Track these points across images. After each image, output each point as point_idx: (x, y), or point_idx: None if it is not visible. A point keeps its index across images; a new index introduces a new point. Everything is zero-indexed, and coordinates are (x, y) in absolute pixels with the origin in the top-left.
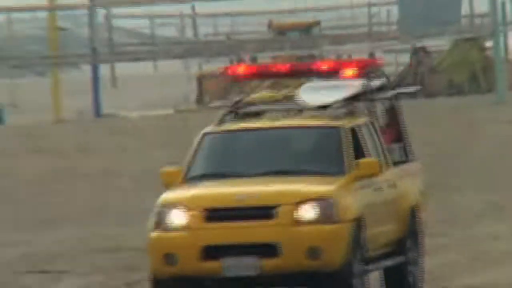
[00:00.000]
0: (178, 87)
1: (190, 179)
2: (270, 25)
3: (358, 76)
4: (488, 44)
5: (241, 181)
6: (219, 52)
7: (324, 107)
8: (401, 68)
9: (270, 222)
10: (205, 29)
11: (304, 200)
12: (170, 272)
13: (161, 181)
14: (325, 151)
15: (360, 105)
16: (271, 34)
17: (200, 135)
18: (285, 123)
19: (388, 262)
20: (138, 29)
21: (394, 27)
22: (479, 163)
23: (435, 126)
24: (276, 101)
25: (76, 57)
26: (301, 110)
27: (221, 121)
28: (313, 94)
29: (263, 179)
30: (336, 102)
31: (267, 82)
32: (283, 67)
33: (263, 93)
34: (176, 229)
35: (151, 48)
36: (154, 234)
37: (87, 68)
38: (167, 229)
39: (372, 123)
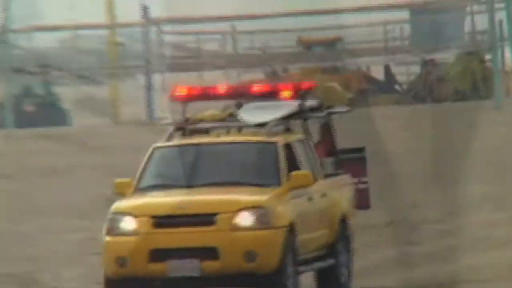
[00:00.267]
0: None
1: (140, 189)
2: (298, 41)
3: (294, 97)
4: (487, 57)
5: (186, 191)
6: (255, 64)
7: (262, 125)
8: (412, 77)
9: (210, 228)
10: (243, 44)
11: (241, 208)
12: (121, 273)
13: (114, 191)
14: (262, 165)
15: (296, 123)
16: (300, 48)
17: (150, 150)
18: (226, 139)
19: (320, 264)
20: (185, 43)
21: (406, 42)
22: (480, 158)
23: (441, 126)
24: (221, 119)
25: (132, 68)
26: (242, 127)
27: (170, 137)
28: (253, 113)
29: (206, 189)
30: (273, 120)
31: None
32: (223, 90)
33: (209, 112)
34: (126, 234)
35: (197, 61)
36: (107, 238)
37: (141, 78)
38: (119, 234)
39: (306, 139)
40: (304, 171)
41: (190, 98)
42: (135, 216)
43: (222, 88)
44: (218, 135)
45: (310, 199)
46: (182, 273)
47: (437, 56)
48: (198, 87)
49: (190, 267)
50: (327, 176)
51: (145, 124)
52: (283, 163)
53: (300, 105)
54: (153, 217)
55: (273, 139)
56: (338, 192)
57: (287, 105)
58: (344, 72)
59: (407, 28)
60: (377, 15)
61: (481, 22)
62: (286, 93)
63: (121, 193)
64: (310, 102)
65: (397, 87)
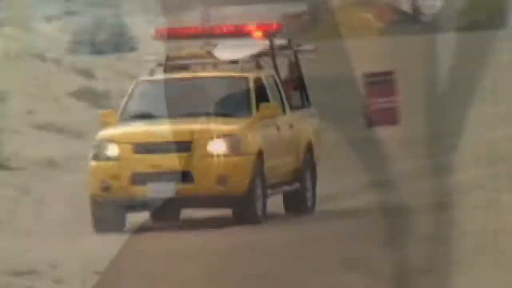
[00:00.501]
0: None
1: (123, 119)
2: None
3: (265, 37)
4: None
5: (165, 121)
6: None
7: (235, 62)
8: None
9: (186, 154)
10: None
11: (215, 136)
12: (105, 195)
13: (99, 120)
14: (235, 97)
15: (267, 60)
16: None
17: (133, 83)
18: (203, 74)
19: (286, 188)
20: None
21: None
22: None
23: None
24: (198, 56)
25: None
26: (217, 64)
27: (152, 72)
28: (227, 51)
29: (183, 119)
30: (245, 57)
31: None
32: (196, 29)
33: (188, 50)
34: (110, 159)
35: None
36: (92, 163)
37: None
38: (103, 159)
39: (275, 75)
40: (272, 103)
41: (169, 37)
42: (118, 143)
43: (197, 28)
44: (196, 71)
45: (278, 129)
46: (160, 195)
47: None
48: (177, 28)
49: (167, 189)
50: (294, 108)
51: None
52: (253, 96)
53: (270, 44)
54: (135, 144)
55: (245, 74)
56: (305, 123)
57: (257, 44)
58: (376, 4)
59: None
60: None
61: None
62: (257, 33)
63: (105, 123)
64: (279, 41)
65: (423, 18)
